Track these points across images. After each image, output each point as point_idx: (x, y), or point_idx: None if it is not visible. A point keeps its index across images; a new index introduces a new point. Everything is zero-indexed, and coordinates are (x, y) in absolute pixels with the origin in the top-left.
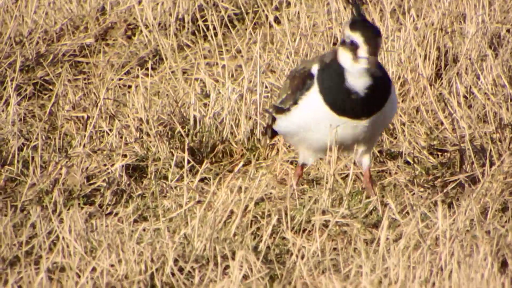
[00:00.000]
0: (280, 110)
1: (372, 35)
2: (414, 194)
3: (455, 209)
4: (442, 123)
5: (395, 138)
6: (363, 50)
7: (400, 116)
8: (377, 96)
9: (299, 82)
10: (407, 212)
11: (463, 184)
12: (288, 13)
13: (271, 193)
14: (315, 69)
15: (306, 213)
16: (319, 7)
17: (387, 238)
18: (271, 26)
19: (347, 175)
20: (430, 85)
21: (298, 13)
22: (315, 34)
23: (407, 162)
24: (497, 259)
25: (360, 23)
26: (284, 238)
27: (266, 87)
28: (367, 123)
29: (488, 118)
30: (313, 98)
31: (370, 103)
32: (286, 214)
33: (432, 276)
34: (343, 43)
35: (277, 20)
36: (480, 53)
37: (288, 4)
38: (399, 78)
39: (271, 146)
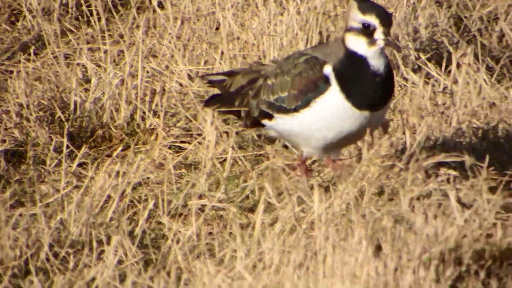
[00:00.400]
0: (282, 109)
1: (387, 15)
2: (290, 178)
3: (331, 193)
4: None
5: None
6: (380, 32)
7: None
8: (391, 76)
9: (309, 84)
10: (284, 196)
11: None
12: None
13: (148, 178)
14: (328, 70)
15: (183, 197)
16: None
17: (263, 222)
18: (154, 11)
19: (225, 159)
20: None
21: None
22: (198, 19)
23: (285, 146)
24: (372, 243)
25: (371, 5)
26: (160, 223)
27: (148, 72)
28: (382, 112)
29: None
30: (332, 99)
31: (388, 85)
32: (163, 199)
33: (307, 260)
34: (352, 29)
35: (160, 5)
36: None
37: None
38: None
39: (150, 130)
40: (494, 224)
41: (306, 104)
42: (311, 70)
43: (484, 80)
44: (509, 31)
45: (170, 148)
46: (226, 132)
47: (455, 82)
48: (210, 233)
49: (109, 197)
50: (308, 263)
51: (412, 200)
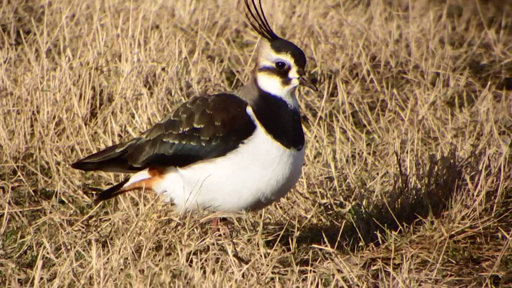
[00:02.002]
0: (200, 151)
1: (301, 54)
2: (68, 233)
3: (110, 248)
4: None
5: (50, 177)
6: (294, 71)
7: (55, 155)
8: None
9: (231, 122)
10: (63, 252)
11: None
12: None
13: None
14: (249, 110)
15: None
16: None
17: (42, 278)
18: None
19: (2, 215)
20: (85, 124)
21: None
22: None
23: (62, 202)
24: None
25: (284, 43)
26: None
27: None
28: (303, 149)
29: None
30: (260, 140)
31: (299, 125)
32: None
33: None
34: (264, 69)
35: None
36: (135, 92)
37: None
38: (54, 117)
39: None
40: (272, 279)
41: (232, 147)
42: (234, 107)
43: None
44: None
45: None
46: (2, 188)
47: None
48: None
49: None
50: None
51: (189, 254)
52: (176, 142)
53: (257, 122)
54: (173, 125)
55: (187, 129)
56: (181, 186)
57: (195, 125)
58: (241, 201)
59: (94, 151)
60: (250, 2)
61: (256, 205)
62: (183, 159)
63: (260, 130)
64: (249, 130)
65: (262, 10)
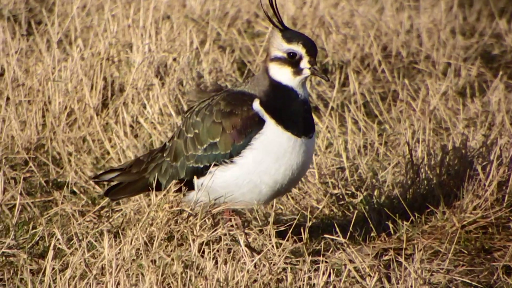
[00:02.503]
0: (217, 158)
1: (313, 44)
2: (80, 224)
3: (122, 238)
4: (108, 153)
5: (62, 168)
6: (306, 61)
7: (67, 146)
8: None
9: (243, 122)
10: (75, 242)
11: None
12: None
13: None
14: (256, 105)
15: None
16: None
17: (53, 268)
18: None
19: (14, 206)
20: (97, 115)
21: None
22: None
23: (73, 192)
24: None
25: (295, 34)
26: None
27: None
28: (314, 137)
29: (155, 146)
30: (271, 133)
31: (310, 115)
32: None
33: None
34: (276, 59)
35: None
36: (146, 83)
37: None
38: (66, 108)
39: None
40: (284, 269)
41: (246, 145)
42: (240, 108)
43: None
44: None
45: None
46: (14, 178)
47: None
48: (1, 279)
49: None
50: None
51: (201, 245)
52: (200, 164)
53: (266, 116)
54: (192, 144)
55: (205, 146)
56: (203, 194)
57: (210, 140)
58: (260, 195)
59: (106, 142)
60: None
61: (274, 196)
62: (204, 170)
63: (270, 123)
64: (259, 125)
65: (275, 0)
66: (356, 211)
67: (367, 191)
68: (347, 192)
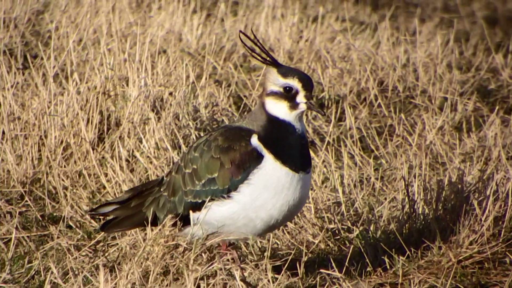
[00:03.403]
0: (215, 193)
1: (308, 79)
2: (76, 258)
3: (117, 273)
4: (104, 187)
5: (57, 202)
6: (302, 95)
7: (63, 180)
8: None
9: (241, 157)
10: (70, 277)
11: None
12: None
13: None
14: (254, 140)
15: None
16: None
17: None
18: None
19: (9, 240)
20: (93, 149)
21: None
22: None
23: (69, 226)
24: None
25: (291, 69)
26: None
27: None
28: (310, 172)
29: (150, 178)
30: (269, 167)
31: (307, 149)
32: None
33: None
34: (272, 93)
35: None
36: (143, 117)
37: None
38: (61, 142)
39: None
40: None
41: (244, 180)
42: (238, 143)
43: None
44: None
45: None
46: (10, 213)
47: None
48: None
49: None
50: None
51: (197, 279)
52: (198, 200)
53: (264, 151)
54: (191, 179)
55: (203, 181)
56: (198, 228)
57: (209, 175)
58: (255, 230)
59: (102, 176)
60: (245, 38)
61: (268, 230)
62: (201, 205)
63: (268, 158)
64: (257, 160)
65: (262, 45)
66: (352, 246)
67: (363, 226)
68: (343, 226)
